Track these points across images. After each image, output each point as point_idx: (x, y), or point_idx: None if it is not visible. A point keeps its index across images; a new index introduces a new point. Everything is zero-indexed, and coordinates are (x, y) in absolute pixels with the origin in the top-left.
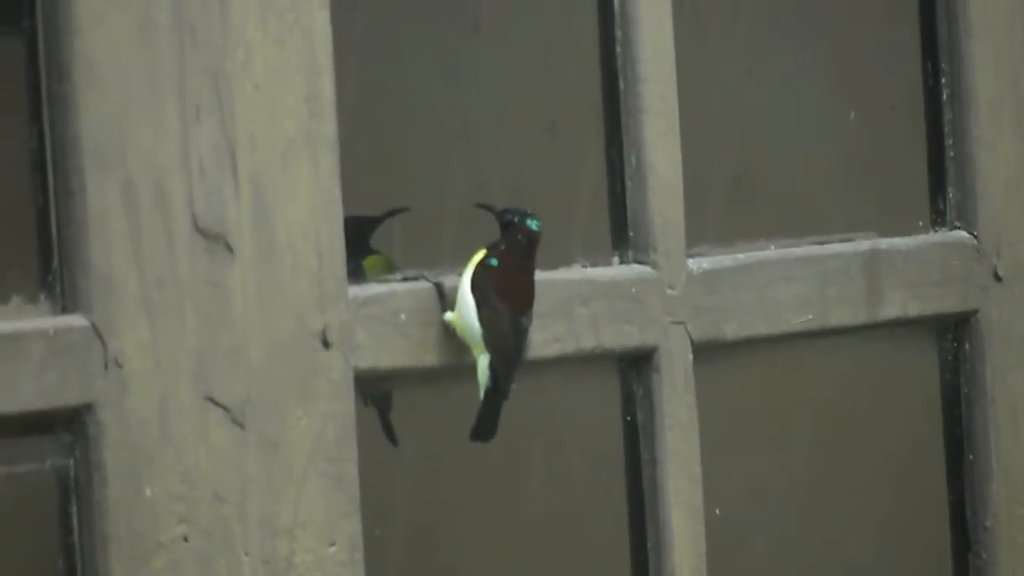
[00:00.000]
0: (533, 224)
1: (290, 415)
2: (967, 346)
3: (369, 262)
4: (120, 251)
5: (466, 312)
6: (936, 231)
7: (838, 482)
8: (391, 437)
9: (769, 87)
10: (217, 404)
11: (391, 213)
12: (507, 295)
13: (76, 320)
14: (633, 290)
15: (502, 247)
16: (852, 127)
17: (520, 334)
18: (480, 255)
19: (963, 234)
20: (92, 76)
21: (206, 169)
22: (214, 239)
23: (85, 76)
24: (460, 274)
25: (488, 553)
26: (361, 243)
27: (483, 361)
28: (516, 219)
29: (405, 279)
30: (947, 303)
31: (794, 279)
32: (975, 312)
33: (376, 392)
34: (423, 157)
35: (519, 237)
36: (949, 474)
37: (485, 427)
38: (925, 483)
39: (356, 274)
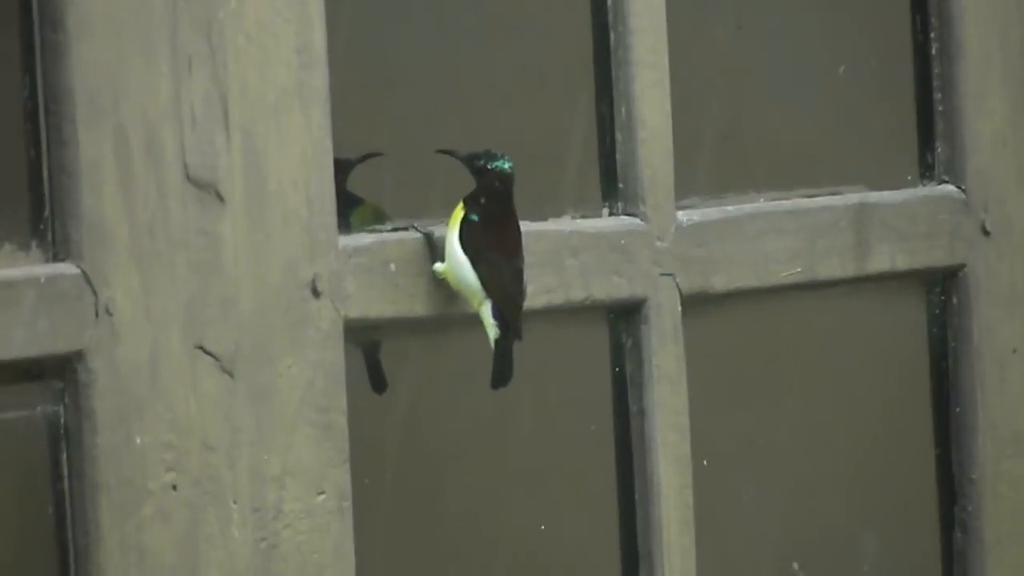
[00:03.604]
0: (505, 165)
1: (280, 364)
2: (954, 300)
3: (358, 211)
4: (112, 200)
5: (459, 268)
6: (924, 185)
7: (825, 434)
8: (376, 385)
9: (759, 40)
10: (207, 353)
11: (366, 157)
12: (498, 244)
13: (67, 268)
14: (622, 242)
15: (482, 200)
16: (842, 81)
17: (519, 276)
18: (460, 211)
19: (951, 188)
20: (85, 26)
21: (198, 119)
22: (205, 189)
23: (78, 26)
24: (447, 225)
25: (476, 502)
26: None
27: (486, 310)
28: (487, 164)
29: (395, 229)
30: (935, 257)
31: (783, 232)
32: (962, 266)
33: (365, 340)
34: (413, 108)
35: (496, 184)
36: (936, 427)
37: (502, 373)
38: (912, 436)
39: (344, 222)
